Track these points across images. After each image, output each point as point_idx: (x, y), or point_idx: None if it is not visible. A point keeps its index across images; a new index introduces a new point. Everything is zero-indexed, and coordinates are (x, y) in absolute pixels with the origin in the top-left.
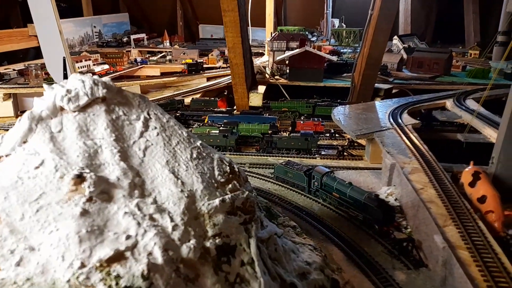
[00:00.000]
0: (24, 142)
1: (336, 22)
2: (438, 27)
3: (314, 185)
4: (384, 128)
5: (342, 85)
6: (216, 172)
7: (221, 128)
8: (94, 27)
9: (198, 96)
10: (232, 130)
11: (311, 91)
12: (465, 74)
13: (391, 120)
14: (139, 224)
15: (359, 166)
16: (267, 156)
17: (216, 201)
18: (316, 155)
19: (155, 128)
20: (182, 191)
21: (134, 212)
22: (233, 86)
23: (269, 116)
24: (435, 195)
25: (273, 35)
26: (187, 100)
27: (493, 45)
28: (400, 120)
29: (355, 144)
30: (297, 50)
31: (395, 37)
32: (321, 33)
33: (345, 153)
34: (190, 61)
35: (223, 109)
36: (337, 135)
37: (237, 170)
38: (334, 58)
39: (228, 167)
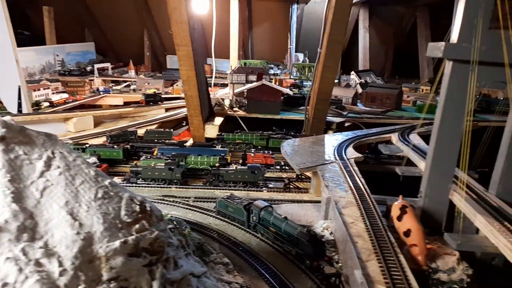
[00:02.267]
0: None
1: (301, 56)
2: (396, 63)
3: (253, 219)
4: (327, 162)
5: (298, 118)
6: (123, 212)
7: (167, 161)
8: (57, 55)
9: (154, 127)
10: (179, 163)
11: (270, 123)
12: (415, 109)
13: (335, 153)
14: (20, 270)
15: (304, 199)
16: (214, 189)
17: (116, 243)
18: (263, 188)
19: (58, 167)
20: (78, 233)
21: (18, 257)
22: (189, 118)
23: (220, 149)
24: (363, 229)
25: (233, 68)
26: (141, 131)
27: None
28: (344, 154)
29: (303, 177)
30: (255, 83)
31: (352, 72)
32: (286, 67)
33: (291, 186)
34: (155, 90)
35: (175, 141)
36: (287, 167)
37: (149, 209)
38: (290, 91)
39: (138, 207)
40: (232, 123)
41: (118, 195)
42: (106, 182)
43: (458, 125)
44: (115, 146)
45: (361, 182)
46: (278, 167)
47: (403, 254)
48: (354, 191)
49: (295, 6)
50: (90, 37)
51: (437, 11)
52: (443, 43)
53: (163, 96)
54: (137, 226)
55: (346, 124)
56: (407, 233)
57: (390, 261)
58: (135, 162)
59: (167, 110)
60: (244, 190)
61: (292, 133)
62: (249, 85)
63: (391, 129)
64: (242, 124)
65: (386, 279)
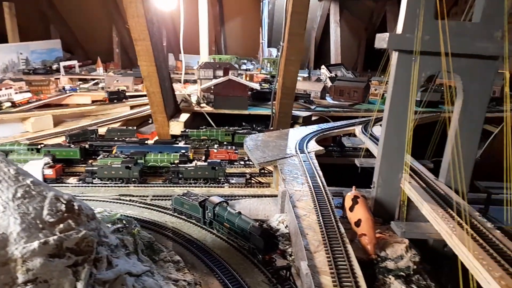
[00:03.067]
0: None
1: (274, 51)
2: (367, 56)
3: (208, 215)
4: (288, 155)
5: (267, 113)
6: (45, 212)
7: (124, 159)
8: (21, 53)
9: (117, 125)
10: (137, 161)
11: (240, 119)
12: (381, 101)
13: (297, 147)
14: None
15: (265, 193)
16: (173, 187)
17: (35, 244)
18: (225, 184)
19: None
20: None
21: None
22: (152, 115)
23: (182, 145)
24: (315, 222)
25: (199, 63)
26: (103, 130)
27: None
28: (305, 147)
29: (265, 171)
30: (221, 78)
31: (323, 66)
32: (259, 62)
33: (253, 181)
34: (119, 88)
35: (136, 139)
36: (250, 162)
37: (77, 207)
38: (257, 86)
39: (63, 206)
40: (200, 119)
41: (41, 194)
42: (28, 181)
43: (405, 115)
44: (72, 146)
45: (318, 174)
46: (242, 162)
47: (351, 244)
48: (310, 184)
49: (266, 1)
50: (57, 34)
51: None
52: (387, 34)
53: (132, 93)
54: (61, 225)
55: (314, 118)
56: (358, 223)
57: (337, 252)
58: (90, 161)
59: (132, 107)
60: (205, 187)
61: (259, 128)
62: (215, 81)
63: (355, 122)
64: (210, 120)
65: (332, 269)
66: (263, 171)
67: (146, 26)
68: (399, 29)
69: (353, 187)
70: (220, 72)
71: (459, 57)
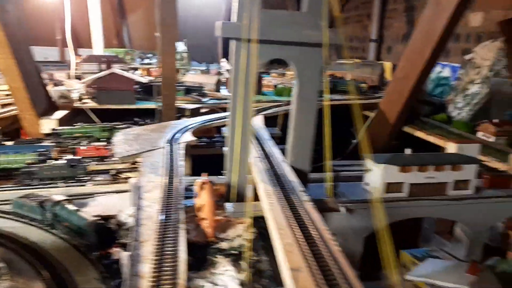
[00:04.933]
0: None
1: (180, 45)
2: None
3: (47, 216)
4: (155, 148)
5: (156, 107)
6: None
7: None
8: None
9: None
10: None
11: (133, 114)
12: (274, 92)
13: (169, 139)
14: None
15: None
16: (27, 189)
17: None
18: (88, 182)
19: None
20: None
21: None
22: (19, 113)
23: (44, 144)
24: (155, 212)
25: (82, 57)
26: None
27: None
28: (176, 139)
29: (138, 166)
30: (104, 72)
31: (223, 59)
32: None
33: (120, 177)
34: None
35: None
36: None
37: None
38: (144, 79)
39: None
40: (85, 116)
41: None
42: None
43: (247, 101)
44: None
45: (178, 165)
46: (116, 158)
47: (197, 230)
48: (167, 175)
49: None
50: None
51: None
52: (221, 22)
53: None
54: None
55: (204, 110)
56: (201, 208)
57: (168, 240)
58: None
59: (3, 106)
60: (65, 187)
61: (141, 122)
62: (98, 74)
63: None
64: (92, 116)
65: (157, 256)
66: (134, 165)
67: None
68: (234, 18)
69: (203, 174)
70: (105, 66)
71: (290, 45)
